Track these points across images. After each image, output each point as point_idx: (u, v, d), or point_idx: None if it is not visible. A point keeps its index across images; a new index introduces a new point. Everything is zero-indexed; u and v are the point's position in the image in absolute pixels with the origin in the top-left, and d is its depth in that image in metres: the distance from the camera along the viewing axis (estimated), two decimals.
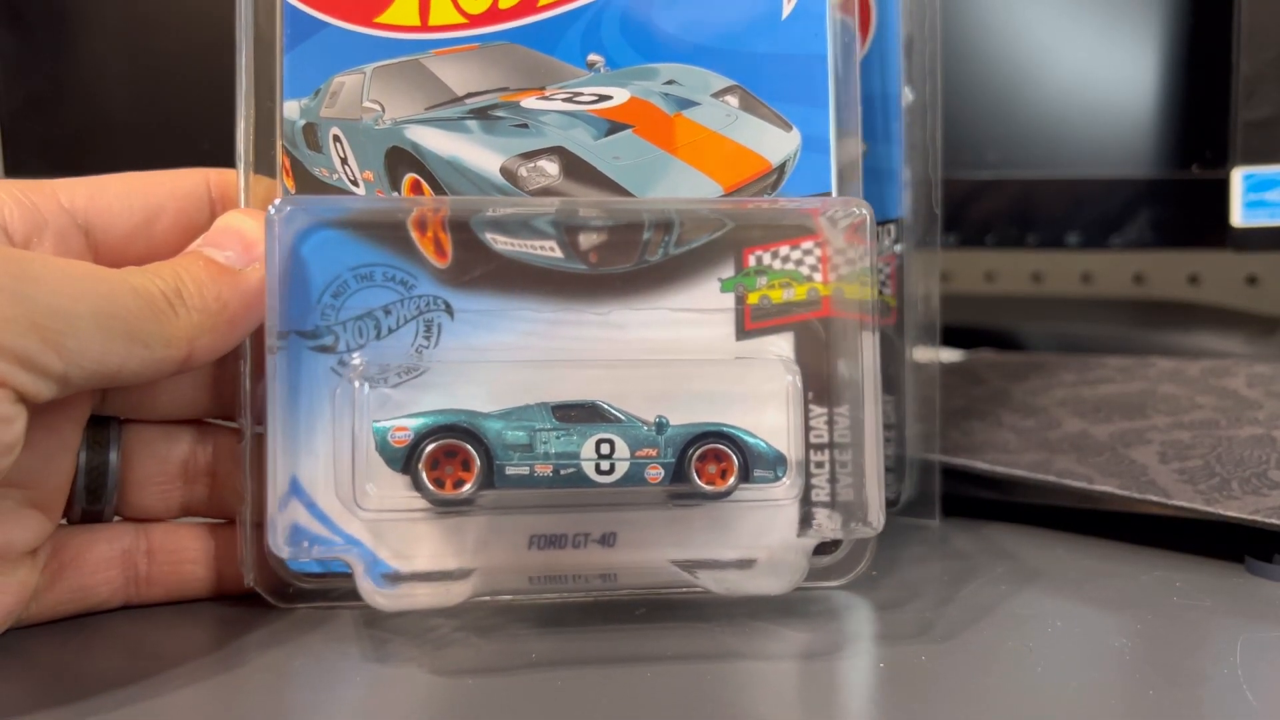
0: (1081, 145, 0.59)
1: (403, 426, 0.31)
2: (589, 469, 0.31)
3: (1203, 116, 0.56)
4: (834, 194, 0.35)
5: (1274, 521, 0.36)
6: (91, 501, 0.33)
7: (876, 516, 0.33)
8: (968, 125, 0.59)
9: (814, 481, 0.34)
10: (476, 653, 0.31)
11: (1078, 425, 0.45)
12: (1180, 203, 0.58)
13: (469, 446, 0.31)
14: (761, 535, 0.33)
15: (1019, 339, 0.66)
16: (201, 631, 0.33)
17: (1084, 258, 0.65)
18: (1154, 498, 0.39)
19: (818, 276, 0.34)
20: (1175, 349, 0.58)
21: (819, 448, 0.34)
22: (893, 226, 0.43)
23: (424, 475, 0.31)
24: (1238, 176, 0.53)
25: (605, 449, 0.31)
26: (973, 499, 0.44)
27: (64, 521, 0.33)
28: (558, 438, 0.31)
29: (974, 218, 0.60)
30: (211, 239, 0.31)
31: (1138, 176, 0.59)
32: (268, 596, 0.33)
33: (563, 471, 0.31)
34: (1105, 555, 0.39)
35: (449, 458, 0.31)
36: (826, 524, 0.34)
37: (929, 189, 0.43)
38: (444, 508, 0.31)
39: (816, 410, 0.34)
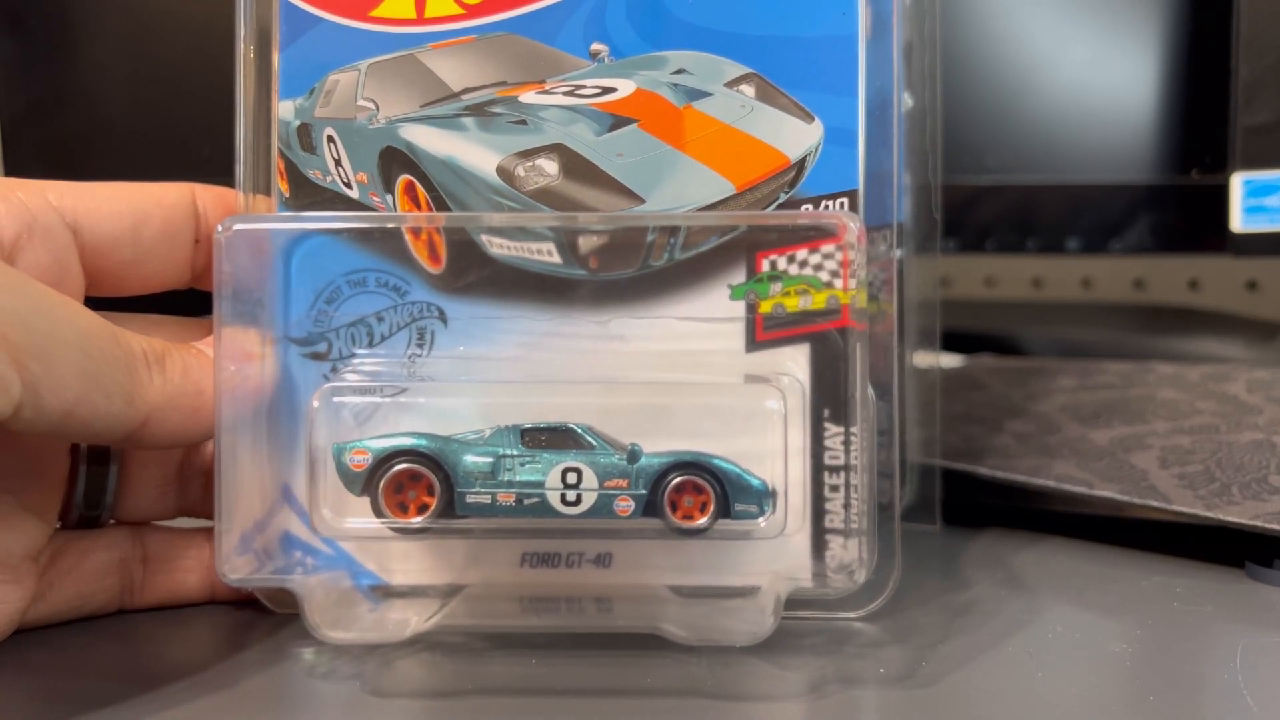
0: (1081, 150, 0.59)
1: (362, 450, 0.30)
2: (554, 499, 0.30)
3: (1202, 122, 0.56)
4: (861, 192, 0.32)
5: (1274, 527, 0.36)
6: (90, 507, 0.33)
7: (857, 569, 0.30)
8: (967, 130, 0.59)
9: (828, 507, 0.31)
10: (475, 676, 0.30)
11: (1078, 430, 0.45)
12: (1180, 208, 0.58)
13: (429, 472, 0.30)
14: (767, 563, 0.31)
15: (1019, 344, 0.66)
16: (195, 642, 0.32)
17: (1084, 263, 0.65)
18: (1154, 503, 0.38)
19: (838, 283, 0.31)
20: (1175, 354, 0.58)
21: (834, 470, 0.31)
22: (891, 232, 0.43)
23: (382, 500, 0.30)
24: (1237, 182, 0.53)
25: (572, 478, 0.30)
26: (973, 504, 0.44)
27: (59, 525, 0.33)
28: (523, 465, 0.30)
29: (974, 223, 0.60)
30: (210, 341, 0.31)
31: (1137, 182, 0.58)
32: (266, 602, 0.33)
33: (526, 501, 0.30)
34: (1105, 560, 0.39)
35: (414, 481, 0.30)
36: (841, 553, 0.31)
37: (929, 194, 0.42)
38: (402, 534, 0.30)
39: (833, 429, 0.31)
